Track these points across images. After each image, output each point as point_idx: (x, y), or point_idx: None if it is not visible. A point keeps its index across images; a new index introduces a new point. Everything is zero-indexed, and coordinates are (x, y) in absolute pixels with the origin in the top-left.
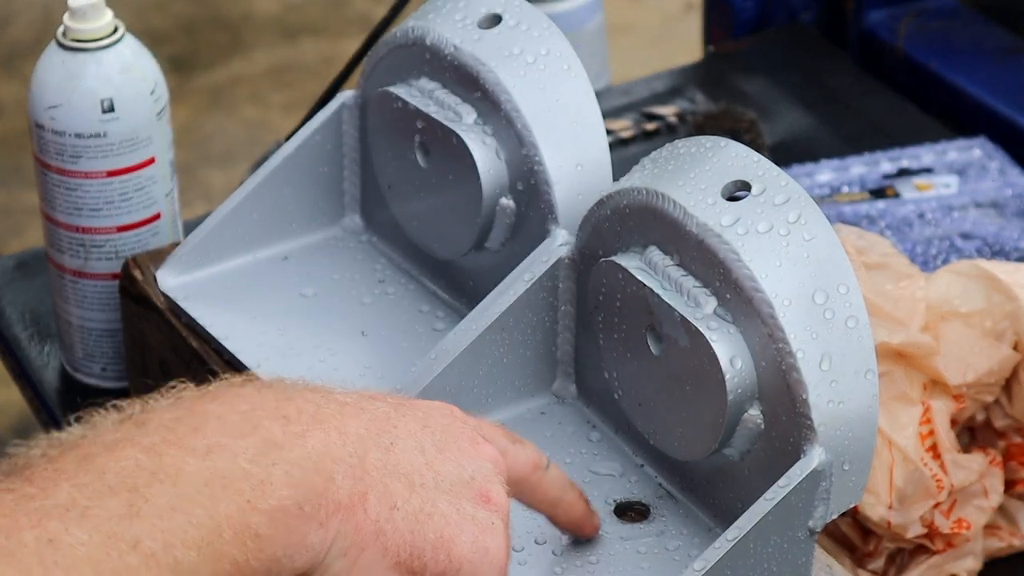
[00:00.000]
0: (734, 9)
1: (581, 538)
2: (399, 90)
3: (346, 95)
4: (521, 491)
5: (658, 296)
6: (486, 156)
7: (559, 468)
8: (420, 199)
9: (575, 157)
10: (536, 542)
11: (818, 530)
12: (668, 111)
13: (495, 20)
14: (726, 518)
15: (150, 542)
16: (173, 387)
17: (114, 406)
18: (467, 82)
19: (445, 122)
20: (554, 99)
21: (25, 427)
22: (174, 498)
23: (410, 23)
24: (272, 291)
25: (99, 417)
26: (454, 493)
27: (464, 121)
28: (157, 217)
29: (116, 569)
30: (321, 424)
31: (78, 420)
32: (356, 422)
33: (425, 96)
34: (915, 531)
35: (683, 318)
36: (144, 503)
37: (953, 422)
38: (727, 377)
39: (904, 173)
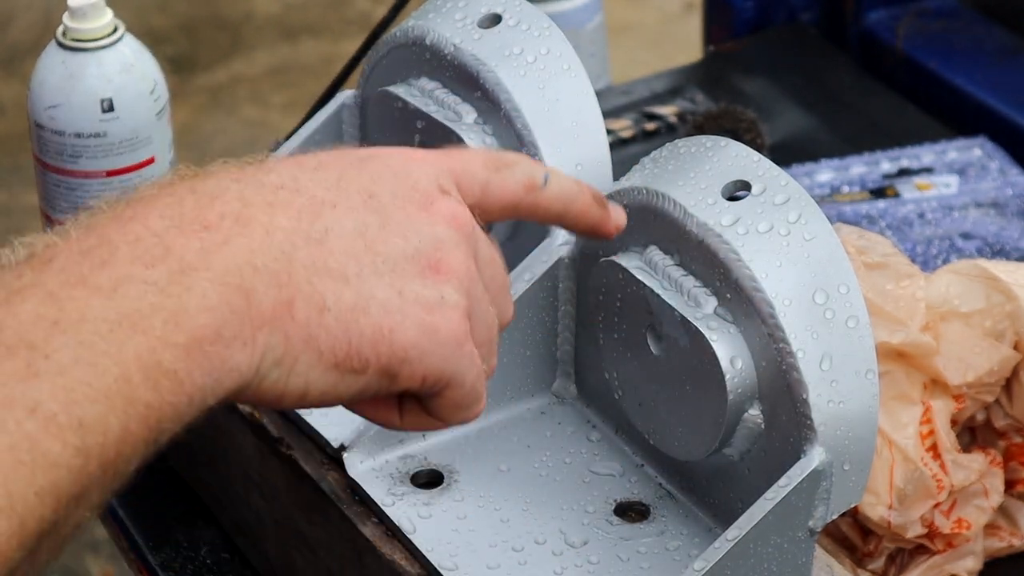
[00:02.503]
0: (734, 9)
1: (605, 239)
2: (399, 90)
3: (346, 95)
4: (517, 214)
5: (658, 296)
6: None
7: (561, 176)
8: None
9: (575, 157)
10: (536, 542)
11: (818, 530)
12: (668, 111)
13: (495, 20)
14: (726, 518)
15: (51, 404)
16: (91, 208)
17: (20, 242)
18: (467, 82)
19: (445, 122)
20: (554, 99)
21: None
22: (76, 348)
23: (410, 23)
24: None
25: (5, 259)
26: (396, 273)
27: (464, 121)
28: None
29: (13, 443)
30: (245, 226)
31: None
32: (286, 215)
33: (425, 96)
34: (915, 531)
35: (683, 318)
36: (43, 360)
37: (953, 422)
38: (727, 377)
39: (904, 173)
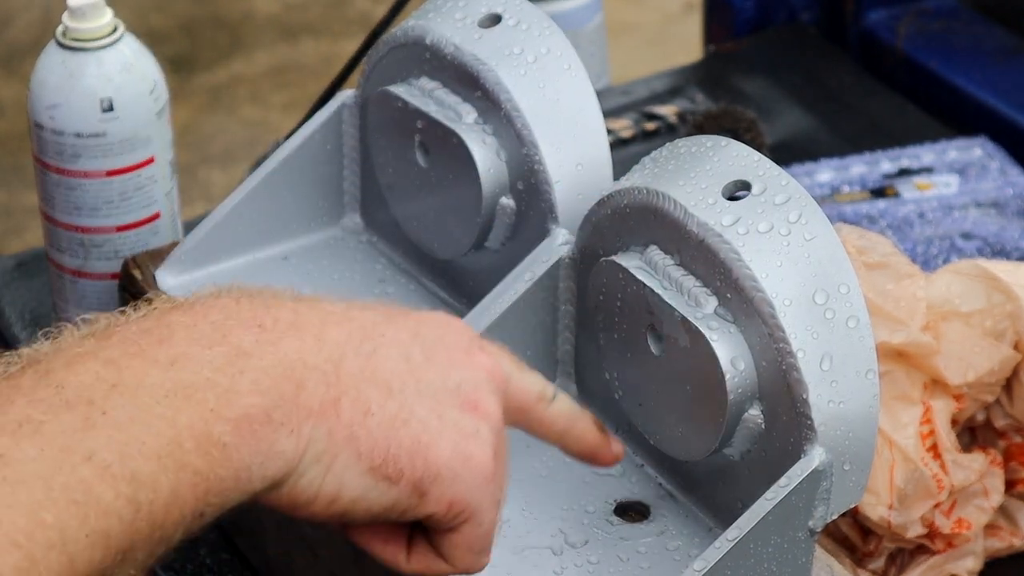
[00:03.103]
0: (734, 9)
1: (599, 467)
2: (399, 89)
3: (346, 95)
4: (524, 421)
5: (658, 296)
6: (486, 155)
7: (567, 399)
8: (420, 199)
9: (575, 156)
10: (536, 542)
11: (818, 530)
12: (668, 111)
13: (495, 19)
14: (726, 518)
15: (105, 454)
16: (149, 299)
17: (83, 320)
18: (467, 81)
19: (445, 121)
20: (554, 98)
21: None
22: (133, 409)
23: (410, 22)
24: None
25: (66, 332)
26: (437, 400)
27: (464, 120)
28: (157, 217)
29: (67, 483)
30: (298, 332)
31: (46, 336)
32: (337, 330)
33: (425, 95)
34: (915, 531)
35: (683, 318)
36: (101, 416)
37: (954, 422)
38: (727, 377)
39: (904, 173)
